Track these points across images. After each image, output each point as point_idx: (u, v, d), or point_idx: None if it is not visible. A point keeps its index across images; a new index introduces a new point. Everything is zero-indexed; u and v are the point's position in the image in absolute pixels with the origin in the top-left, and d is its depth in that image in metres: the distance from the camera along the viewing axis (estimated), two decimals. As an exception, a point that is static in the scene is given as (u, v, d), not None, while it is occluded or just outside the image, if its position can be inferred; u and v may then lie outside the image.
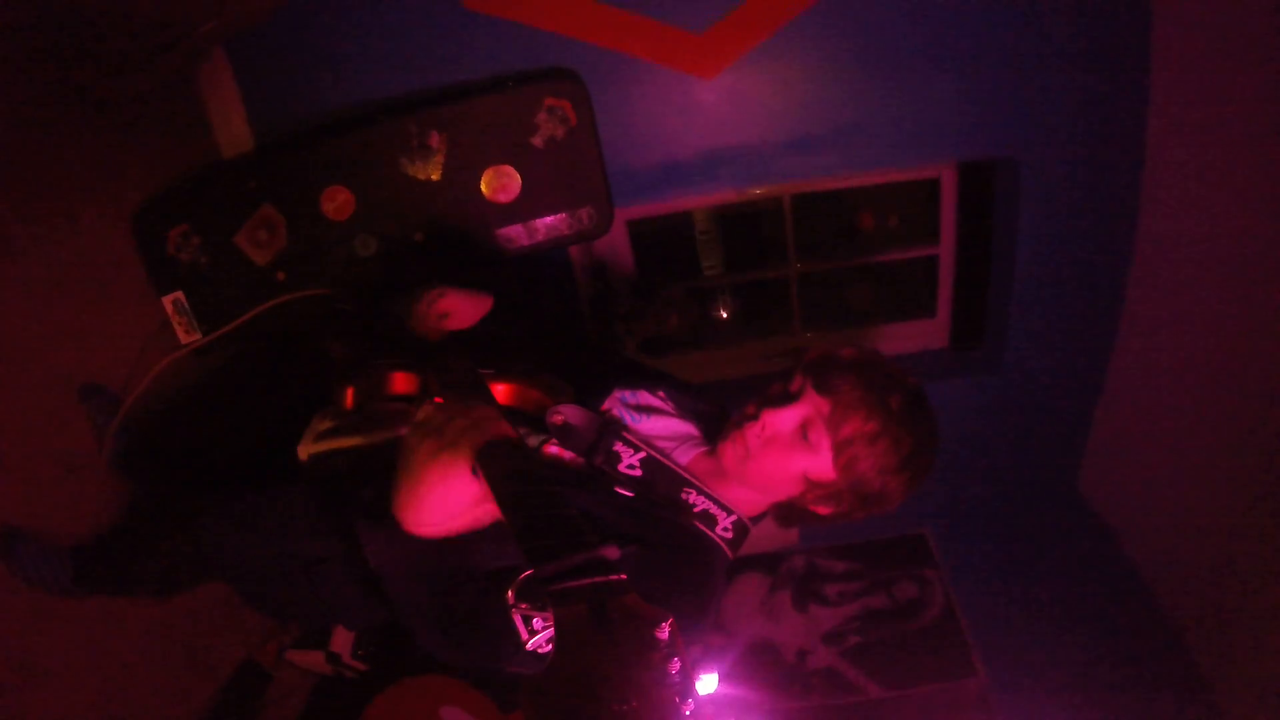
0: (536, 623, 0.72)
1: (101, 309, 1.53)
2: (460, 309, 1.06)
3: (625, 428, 0.91)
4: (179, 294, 1.63)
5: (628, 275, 2.35)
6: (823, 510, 0.88)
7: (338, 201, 1.66)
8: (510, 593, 0.69)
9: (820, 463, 0.83)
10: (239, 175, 1.65)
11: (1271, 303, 1.58)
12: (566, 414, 0.87)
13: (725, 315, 2.48)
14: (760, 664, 2.10)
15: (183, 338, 1.64)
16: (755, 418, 0.86)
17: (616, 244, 2.27)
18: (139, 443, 1.42)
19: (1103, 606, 2.08)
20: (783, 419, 0.85)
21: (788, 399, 0.86)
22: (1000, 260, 2.09)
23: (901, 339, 2.46)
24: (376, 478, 0.75)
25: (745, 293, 2.53)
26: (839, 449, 0.82)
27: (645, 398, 0.99)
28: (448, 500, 0.64)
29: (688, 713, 0.41)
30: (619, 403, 0.96)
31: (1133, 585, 2.11)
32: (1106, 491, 2.31)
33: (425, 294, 1.05)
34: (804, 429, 0.84)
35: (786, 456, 0.84)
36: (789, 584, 2.30)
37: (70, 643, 1.35)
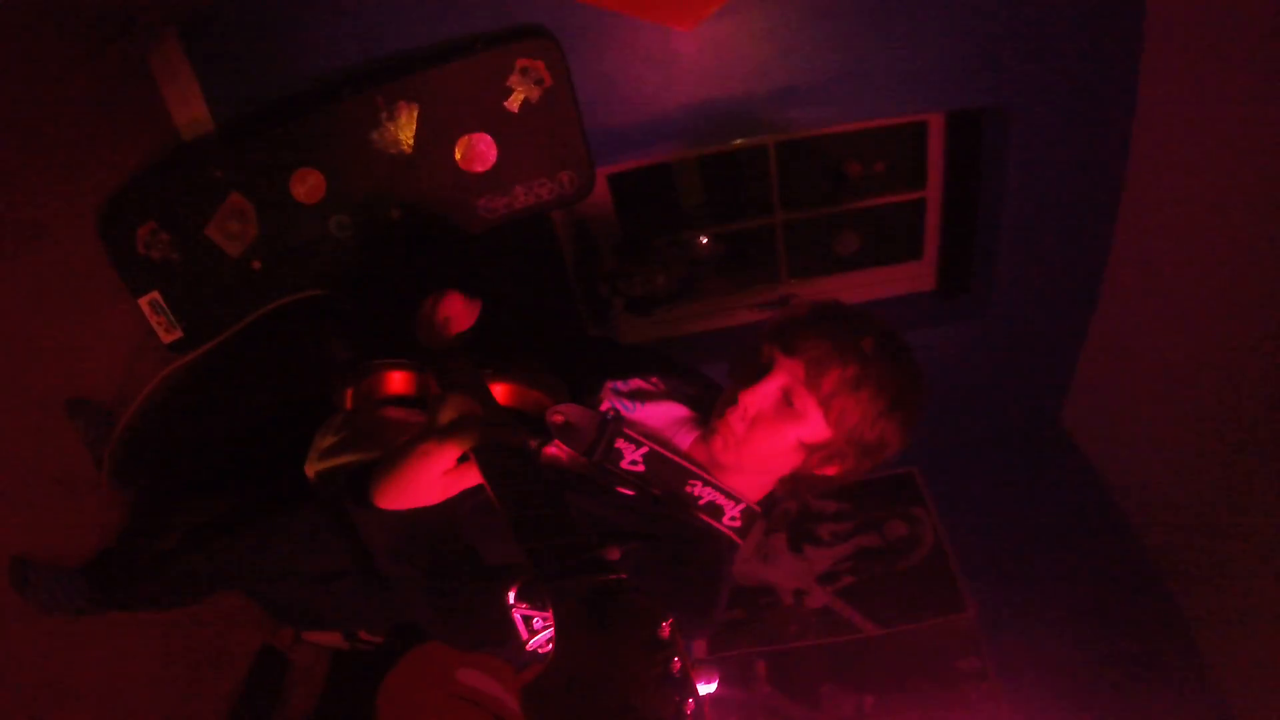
0: (536, 623, 0.73)
1: (80, 318, 1.48)
2: (459, 313, 1.04)
3: (626, 424, 0.90)
4: (155, 294, 1.59)
5: (612, 233, 2.32)
6: (830, 471, 0.87)
7: (308, 184, 1.61)
8: (510, 593, 0.71)
9: (812, 424, 0.82)
10: (203, 165, 1.58)
11: (1257, 248, 1.58)
12: (567, 413, 0.86)
13: (705, 241, 2.45)
14: (760, 607, 2.17)
15: (164, 337, 1.61)
16: (734, 402, 0.85)
17: (599, 201, 2.23)
18: (137, 452, 1.41)
19: (1087, 539, 2.14)
20: (762, 394, 0.83)
21: (761, 373, 0.84)
22: (987, 204, 2.06)
23: (888, 283, 2.46)
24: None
25: (730, 241, 2.51)
26: (826, 405, 0.80)
27: (637, 384, 0.99)
28: (419, 481, 0.66)
29: (689, 712, 0.41)
30: (611, 393, 0.95)
31: (1116, 518, 2.17)
32: (1090, 428, 2.36)
33: (427, 301, 1.02)
34: (786, 397, 0.82)
35: (777, 430, 0.83)
36: (783, 526, 2.34)
37: (93, 658, 1.36)
